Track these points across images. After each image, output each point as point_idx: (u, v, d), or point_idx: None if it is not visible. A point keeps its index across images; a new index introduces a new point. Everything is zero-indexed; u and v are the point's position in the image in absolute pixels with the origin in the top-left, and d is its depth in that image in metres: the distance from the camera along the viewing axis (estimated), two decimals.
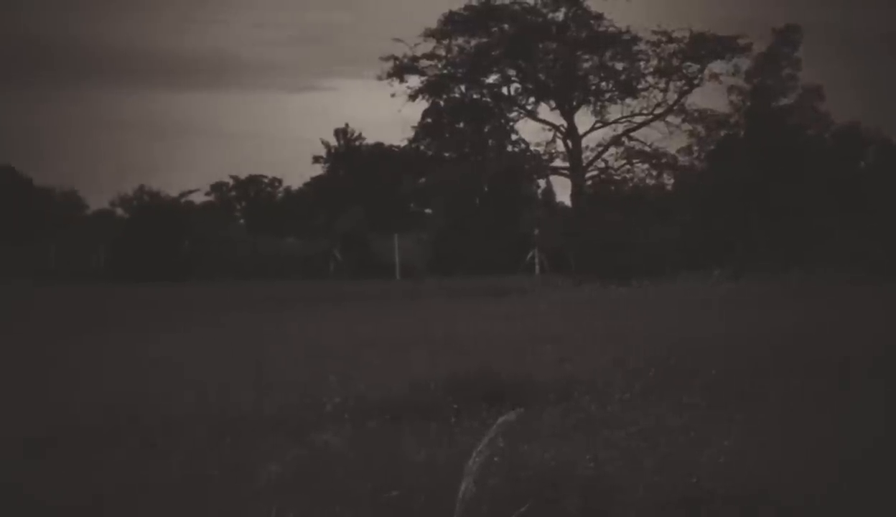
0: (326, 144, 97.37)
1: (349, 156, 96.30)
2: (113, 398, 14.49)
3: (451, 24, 64.89)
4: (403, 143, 70.57)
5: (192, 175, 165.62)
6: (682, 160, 65.15)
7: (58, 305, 43.55)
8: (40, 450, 12.05)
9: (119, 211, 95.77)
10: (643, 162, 65.36)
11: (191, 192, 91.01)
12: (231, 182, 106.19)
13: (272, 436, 13.26)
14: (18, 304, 43.07)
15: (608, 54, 65.34)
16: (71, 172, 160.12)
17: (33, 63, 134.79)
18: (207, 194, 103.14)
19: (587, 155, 66.00)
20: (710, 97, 67.66)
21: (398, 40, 64.72)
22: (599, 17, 65.37)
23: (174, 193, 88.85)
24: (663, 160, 65.24)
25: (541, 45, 65.14)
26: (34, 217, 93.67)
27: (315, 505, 10.55)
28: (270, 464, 11.61)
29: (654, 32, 64.39)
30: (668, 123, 64.96)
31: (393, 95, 65.46)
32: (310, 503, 10.57)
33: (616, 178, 66.48)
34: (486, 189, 70.71)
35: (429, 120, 67.79)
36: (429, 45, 65.03)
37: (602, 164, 66.26)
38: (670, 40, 64.46)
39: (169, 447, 12.21)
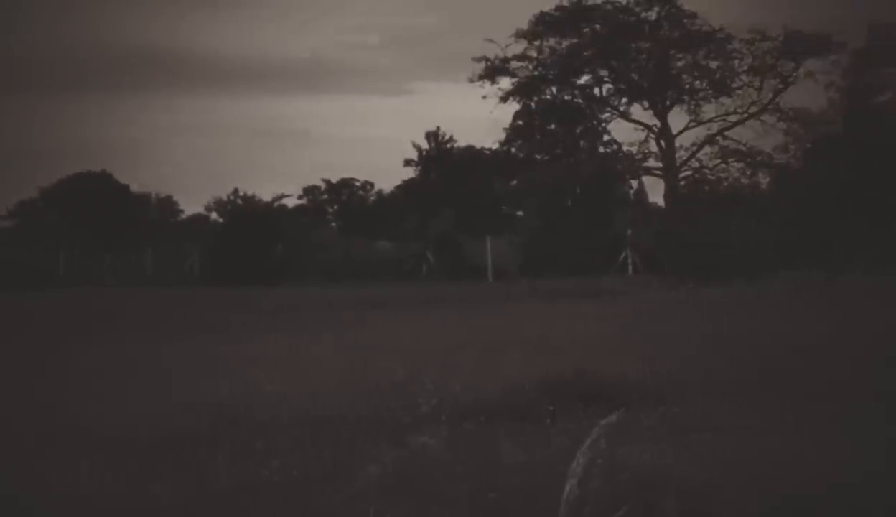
0: (418, 147, 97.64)
1: (440, 158, 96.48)
2: (213, 400, 14.64)
3: (543, 25, 64.80)
4: (495, 146, 70.59)
5: (285, 179, 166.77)
6: (778, 159, 64.53)
7: (156, 309, 44.07)
8: (148, 451, 12.22)
9: (213, 215, 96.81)
10: (738, 161, 64.84)
11: (284, 196, 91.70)
12: (323, 185, 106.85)
13: (370, 437, 13.32)
14: (119, 309, 43.65)
15: (702, 53, 64.90)
16: (166, 178, 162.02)
17: (129, 71, 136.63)
18: (300, 198, 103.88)
19: (681, 155, 65.58)
20: (805, 95, 66.97)
21: (490, 41, 64.77)
22: (693, 15, 64.97)
23: (268, 197, 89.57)
24: (758, 159, 64.66)
25: (633, 45, 64.82)
26: (131, 223, 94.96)
27: (413, 506, 10.58)
28: (369, 466, 11.68)
29: (749, 31, 63.86)
30: (763, 122, 64.39)
31: (484, 97, 65.55)
32: (408, 504, 10.61)
33: (710, 177, 66.02)
34: (578, 190, 70.50)
35: (520, 122, 67.74)
36: (520, 47, 65.05)
37: (696, 164, 65.81)
38: (764, 38, 63.88)
39: (269, 449, 12.32)
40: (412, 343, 24.90)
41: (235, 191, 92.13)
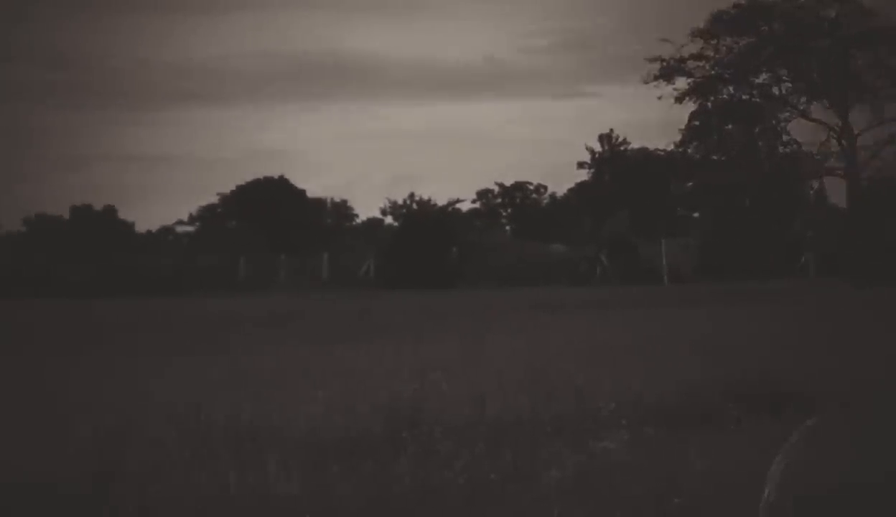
0: (591, 150, 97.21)
1: (614, 160, 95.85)
2: (394, 403, 14.70)
3: (719, 24, 63.91)
4: (670, 147, 69.84)
5: (459, 182, 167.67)
6: None
7: (334, 312, 44.60)
8: (332, 453, 12.31)
9: (388, 219, 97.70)
10: None
11: (459, 200, 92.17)
12: (497, 188, 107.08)
13: (551, 441, 13.22)
14: (297, 312, 44.28)
15: (884, 50, 63.30)
16: (342, 183, 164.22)
17: (305, 76, 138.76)
18: (474, 201, 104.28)
19: (863, 154, 64.03)
20: None
21: (665, 41, 64.12)
22: (872, 12, 63.39)
23: (442, 201, 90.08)
24: None
25: (812, 43, 63.53)
26: (308, 227, 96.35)
27: (596, 511, 10.46)
28: (551, 469, 11.59)
29: None
30: None
31: (660, 98, 64.89)
32: (591, 509, 10.49)
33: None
34: (756, 192, 69.37)
35: (696, 122, 66.91)
36: (696, 46, 64.23)
37: (878, 164, 64.20)
38: None
39: (451, 451, 12.31)
40: (587, 345, 24.71)
41: (411, 195, 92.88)
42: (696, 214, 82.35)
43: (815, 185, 72.88)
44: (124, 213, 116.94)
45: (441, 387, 16.45)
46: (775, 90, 65.50)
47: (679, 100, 64.77)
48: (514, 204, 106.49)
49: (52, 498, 10.43)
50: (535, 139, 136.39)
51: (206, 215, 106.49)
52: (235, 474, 11.13)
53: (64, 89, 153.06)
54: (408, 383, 16.66)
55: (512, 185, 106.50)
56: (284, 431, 13.61)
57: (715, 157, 66.93)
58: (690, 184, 72.68)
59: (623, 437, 13.24)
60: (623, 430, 13.65)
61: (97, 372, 21.49)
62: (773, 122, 65.79)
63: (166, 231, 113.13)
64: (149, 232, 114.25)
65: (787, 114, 65.53)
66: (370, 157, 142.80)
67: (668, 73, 64.04)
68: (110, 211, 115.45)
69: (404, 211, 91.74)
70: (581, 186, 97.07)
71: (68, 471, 11.28)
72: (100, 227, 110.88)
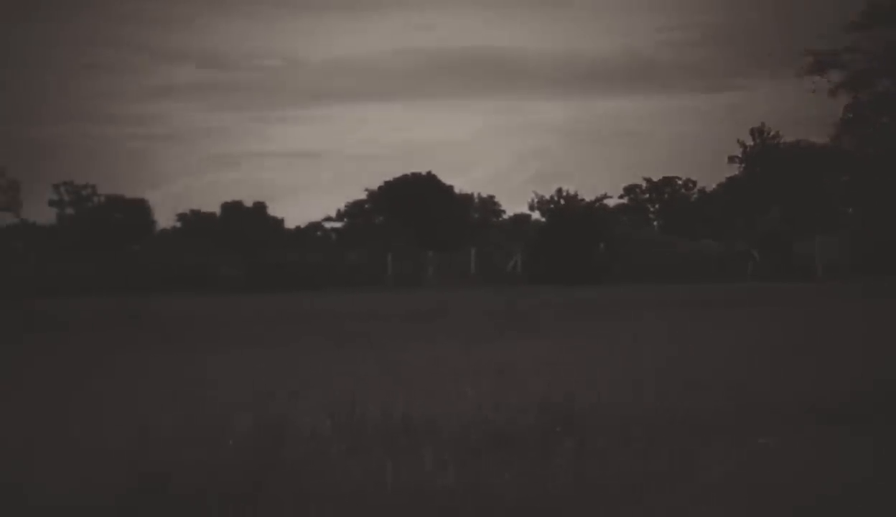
0: (742, 144, 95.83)
1: (766, 155, 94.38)
2: (546, 399, 14.61)
3: (875, 15, 62.55)
4: (824, 141, 68.58)
5: (606, 178, 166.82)
6: None
7: (483, 308, 44.62)
8: (487, 448, 12.28)
9: (535, 215, 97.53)
10: None
11: (606, 195, 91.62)
12: (644, 184, 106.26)
13: (707, 437, 13.01)
14: (444, 308, 44.40)
15: None
16: (488, 178, 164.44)
17: (452, 73, 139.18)
18: (621, 197, 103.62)
19: None
20: None
21: (820, 36, 62.95)
22: None
23: (590, 197, 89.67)
24: None
25: None
26: (455, 223, 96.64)
27: (756, 509, 10.26)
28: (709, 466, 11.39)
29: None
30: None
31: (813, 91, 63.71)
32: (750, 506, 10.29)
33: None
34: None
35: (850, 115, 65.58)
36: (851, 38, 62.92)
37: None
38: None
39: (605, 448, 12.18)
40: (742, 342, 24.37)
41: (558, 190, 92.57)
42: (851, 209, 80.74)
43: None
44: (274, 210, 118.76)
45: (593, 382, 16.32)
46: None
47: (833, 93, 63.53)
48: (662, 199, 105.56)
49: (212, 489, 10.53)
50: (684, 133, 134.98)
51: (354, 211, 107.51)
52: (390, 467, 11.14)
53: (216, 89, 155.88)
54: (558, 378, 16.57)
55: (660, 181, 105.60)
56: (437, 425, 13.59)
57: (871, 150, 65.52)
58: (846, 178, 71.27)
59: (782, 435, 12.99)
60: (782, 427, 13.40)
61: (250, 366, 21.75)
62: None
63: (315, 227, 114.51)
64: (297, 228, 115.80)
65: None
66: (517, 152, 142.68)
67: (821, 66, 62.83)
68: (260, 207, 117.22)
69: (551, 206, 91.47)
70: (732, 181, 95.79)
71: (227, 465, 11.39)
72: (250, 223, 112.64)
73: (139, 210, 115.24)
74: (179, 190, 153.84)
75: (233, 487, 10.68)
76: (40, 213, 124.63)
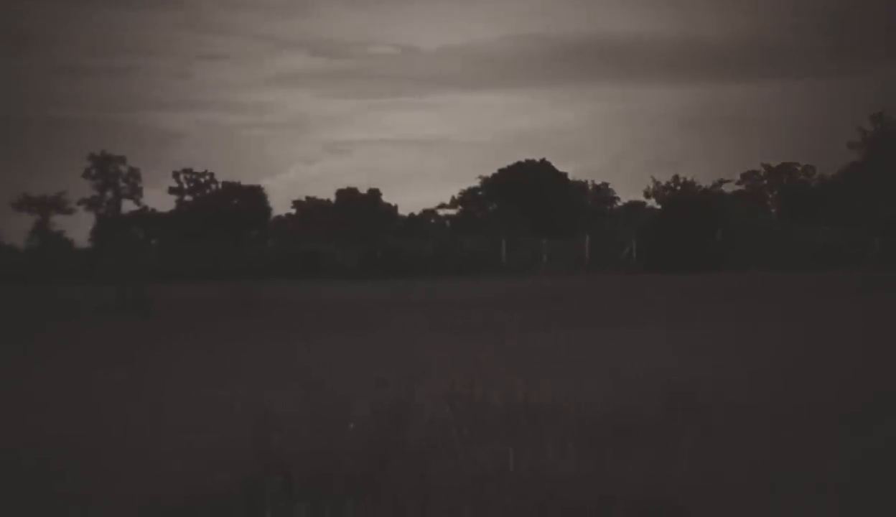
0: (862, 130, 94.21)
1: (886, 141, 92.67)
2: (668, 385, 14.47)
3: None
4: None
5: (722, 164, 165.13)
6: None
7: (595, 295, 44.41)
8: (609, 433, 12.20)
9: (650, 201, 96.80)
10: None
11: (723, 181, 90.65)
12: (762, 170, 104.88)
13: (832, 425, 12.79)
14: (560, 295, 44.25)
15: None
16: (603, 165, 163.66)
17: (566, 58, 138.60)
18: (739, 183, 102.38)
19: None
20: None
21: None
22: None
23: (706, 183, 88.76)
24: None
25: None
26: (569, 210, 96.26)
27: (882, 499, 10.06)
28: (834, 455, 11.21)
29: None
30: None
31: None
32: (876, 496, 10.10)
33: None
34: None
35: None
36: None
37: None
38: None
39: (729, 435, 12.03)
40: (866, 329, 23.96)
41: (675, 177, 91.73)
42: None
43: None
44: (388, 197, 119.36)
45: (715, 368, 16.13)
46: None
47: None
48: (780, 185, 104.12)
49: (334, 474, 10.57)
50: (802, 119, 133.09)
51: (468, 198, 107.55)
52: (513, 452, 11.09)
53: (331, 77, 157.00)
54: (681, 366, 16.40)
55: (778, 167, 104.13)
56: (558, 411, 13.52)
57: None
58: None
59: None
60: None
61: (367, 351, 21.84)
62: None
63: (429, 214, 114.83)
64: (411, 215, 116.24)
65: None
66: (631, 139, 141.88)
67: None
68: (374, 194, 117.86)
69: (667, 193, 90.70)
70: (852, 167, 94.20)
71: (348, 450, 11.42)
72: (364, 210, 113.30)
73: (255, 197, 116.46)
74: (295, 177, 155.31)
75: (354, 472, 10.71)
76: (160, 200, 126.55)
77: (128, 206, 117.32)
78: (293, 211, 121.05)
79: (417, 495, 10.19)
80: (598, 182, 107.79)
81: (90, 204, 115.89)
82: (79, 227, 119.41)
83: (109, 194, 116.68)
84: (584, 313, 33.49)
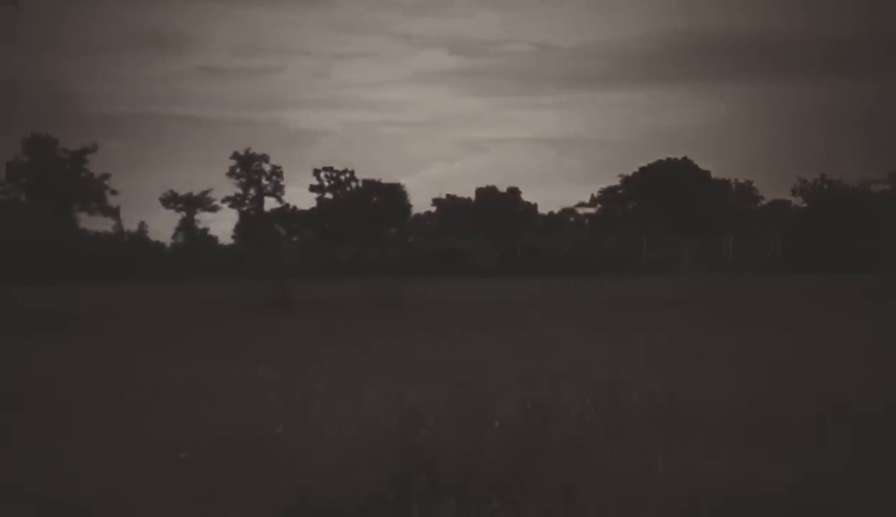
0: None
1: None
2: (818, 389, 14.24)
3: None
4: None
5: (869, 163, 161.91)
6: None
7: (738, 295, 43.83)
8: (757, 436, 12.05)
9: (794, 201, 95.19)
10: None
11: (871, 181, 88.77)
12: None
13: None
14: (701, 295, 43.76)
15: None
16: (747, 164, 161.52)
17: (707, 55, 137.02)
18: (887, 183, 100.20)
19: None
20: None
21: None
22: None
23: (853, 183, 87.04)
24: None
25: None
26: (711, 209, 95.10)
27: None
28: None
29: None
30: None
31: None
32: None
33: None
34: None
35: None
36: None
37: None
38: None
39: (881, 440, 11.78)
40: None
41: (822, 176, 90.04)
42: None
43: None
44: (527, 195, 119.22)
45: (867, 372, 15.79)
46: None
47: None
48: None
49: (479, 470, 10.57)
50: None
51: (608, 197, 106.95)
52: (658, 453, 10.98)
53: (469, 75, 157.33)
54: (831, 367, 16.10)
55: None
56: (703, 411, 13.36)
57: None
58: None
59: None
60: None
61: (509, 349, 21.80)
62: None
63: (567, 213, 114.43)
64: (550, 214, 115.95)
65: None
66: (775, 136, 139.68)
67: None
68: (513, 193, 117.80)
69: (814, 191, 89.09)
70: None
71: (493, 447, 11.41)
72: (503, 208, 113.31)
73: (395, 195, 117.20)
74: (434, 175, 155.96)
75: (499, 470, 10.70)
76: (301, 198, 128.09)
77: (270, 203, 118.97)
78: (432, 209, 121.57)
79: (562, 495, 10.14)
80: (741, 180, 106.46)
81: (234, 201, 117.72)
82: (223, 224, 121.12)
83: (252, 192, 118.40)
84: (729, 313, 33.04)
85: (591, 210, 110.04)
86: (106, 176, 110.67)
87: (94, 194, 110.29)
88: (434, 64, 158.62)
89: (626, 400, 14.00)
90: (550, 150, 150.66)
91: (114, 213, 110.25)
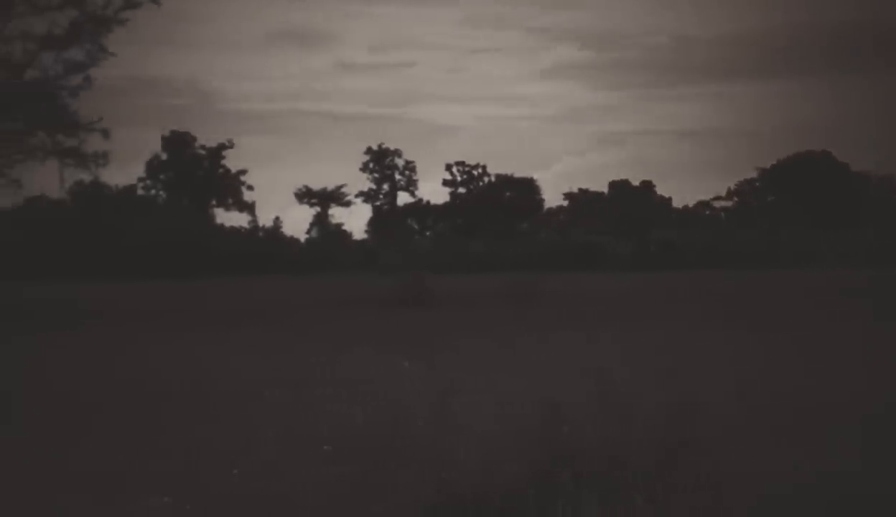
0: None
1: None
2: None
3: None
4: None
5: None
6: None
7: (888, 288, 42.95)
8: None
9: None
10: None
11: None
12: None
13: None
14: (858, 289, 42.96)
15: None
16: (888, 158, 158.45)
17: (845, 47, 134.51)
18: None
19: None
20: None
21: None
22: None
23: None
24: None
25: None
26: (852, 202, 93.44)
27: None
28: None
29: None
30: None
31: None
32: None
33: None
34: None
35: None
36: None
37: None
38: None
39: None
40: None
41: None
42: None
43: None
44: (661, 189, 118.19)
45: None
46: None
47: None
48: None
49: (623, 465, 10.42)
50: None
51: (745, 190, 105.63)
52: (804, 452, 10.73)
53: (602, 68, 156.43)
54: None
55: None
56: (858, 409, 13.04)
57: None
58: None
59: None
60: None
61: (644, 343, 21.55)
62: None
63: (703, 206, 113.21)
64: (685, 207, 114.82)
65: None
66: None
67: None
68: (647, 186, 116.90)
69: None
70: None
71: (638, 443, 11.25)
72: (637, 202, 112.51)
73: (528, 189, 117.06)
74: (567, 169, 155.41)
75: (643, 466, 10.54)
76: (434, 192, 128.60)
77: (403, 198, 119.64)
78: (565, 203, 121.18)
79: (708, 491, 9.94)
80: (882, 173, 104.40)
81: (367, 196, 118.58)
82: (356, 219, 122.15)
83: (386, 187, 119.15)
84: (873, 305, 32.29)
85: (727, 203, 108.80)
86: (242, 172, 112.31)
87: (231, 190, 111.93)
88: (567, 57, 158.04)
89: (771, 397, 13.73)
90: (685, 143, 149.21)
91: (249, 208, 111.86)
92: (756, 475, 10.25)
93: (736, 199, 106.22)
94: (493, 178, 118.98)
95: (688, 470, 10.39)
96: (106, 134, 47.35)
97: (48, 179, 76.66)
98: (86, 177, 69.98)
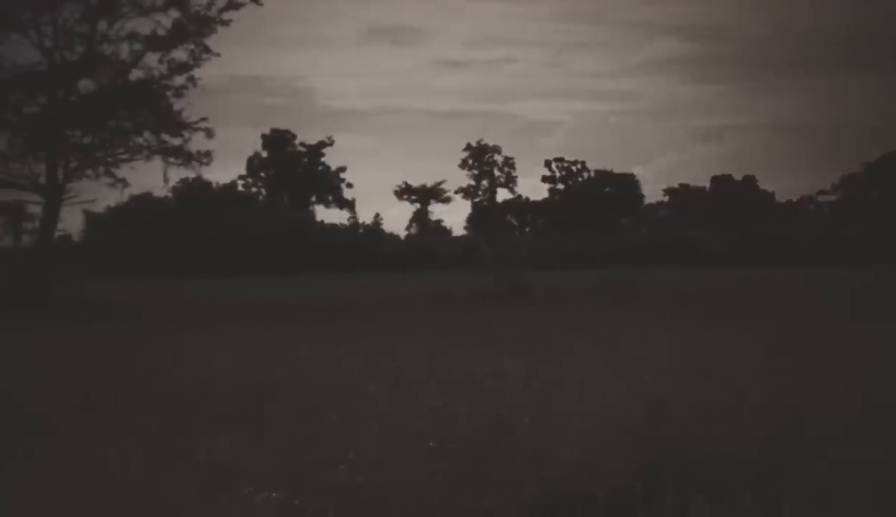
0: None
1: None
2: None
3: None
4: None
5: None
6: None
7: None
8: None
9: None
10: None
11: None
12: None
13: None
14: None
15: None
16: None
17: None
18: None
19: None
20: None
21: None
22: None
23: None
24: None
25: None
26: None
27: None
28: None
29: None
30: None
31: None
32: None
33: None
34: None
35: None
36: None
37: None
38: None
39: None
40: None
41: None
42: None
43: None
44: (764, 183, 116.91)
45: None
46: None
47: None
48: None
49: (731, 464, 10.25)
50: None
51: (850, 184, 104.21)
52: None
53: (701, 61, 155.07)
54: None
55: None
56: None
57: None
58: None
59: None
60: None
61: (759, 340, 21.23)
62: None
63: (807, 200, 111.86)
64: (789, 201, 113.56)
65: None
66: None
67: None
68: (750, 181, 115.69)
69: None
70: None
71: (745, 439, 11.08)
72: (739, 197, 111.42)
73: (628, 185, 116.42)
74: (667, 164, 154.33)
75: (750, 462, 10.37)
76: (533, 188, 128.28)
77: (502, 194, 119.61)
78: (665, 198, 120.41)
79: (817, 490, 9.73)
80: None
81: (467, 192, 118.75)
82: (455, 215, 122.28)
83: (485, 183, 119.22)
84: None
85: (831, 198, 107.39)
86: (342, 169, 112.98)
87: (331, 187, 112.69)
88: (666, 51, 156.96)
89: (881, 396, 13.42)
90: (788, 137, 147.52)
91: (349, 205, 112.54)
92: (871, 479, 10.02)
93: (841, 193, 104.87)
94: (592, 174, 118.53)
95: (800, 470, 10.19)
96: (210, 133, 47.97)
97: (153, 178, 77.80)
98: (190, 175, 70.83)
